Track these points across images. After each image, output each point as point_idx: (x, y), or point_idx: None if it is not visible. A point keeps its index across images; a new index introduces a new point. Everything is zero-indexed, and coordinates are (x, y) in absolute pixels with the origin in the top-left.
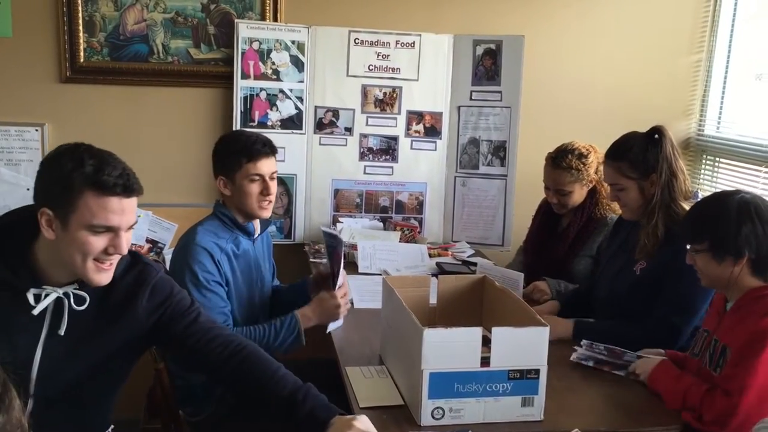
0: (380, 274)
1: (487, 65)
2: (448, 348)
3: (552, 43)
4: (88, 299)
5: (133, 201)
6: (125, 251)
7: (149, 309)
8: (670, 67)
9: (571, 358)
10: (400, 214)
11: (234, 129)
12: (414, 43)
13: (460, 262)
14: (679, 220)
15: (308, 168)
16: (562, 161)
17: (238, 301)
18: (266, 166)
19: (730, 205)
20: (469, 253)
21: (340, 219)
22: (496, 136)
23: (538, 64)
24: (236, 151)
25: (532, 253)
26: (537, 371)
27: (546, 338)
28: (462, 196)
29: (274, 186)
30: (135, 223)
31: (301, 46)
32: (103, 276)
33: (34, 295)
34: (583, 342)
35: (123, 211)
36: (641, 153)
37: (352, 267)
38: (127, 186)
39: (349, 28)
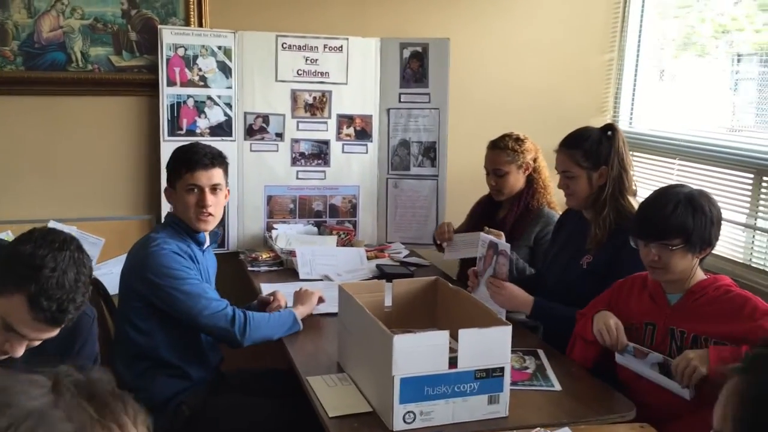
0: (322, 280)
1: (415, 68)
2: (417, 352)
3: (476, 46)
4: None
5: (53, 330)
6: (17, 355)
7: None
8: (584, 66)
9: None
10: (334, 218)
11: (161, 138)
12: (342, 47)
13: (398, 263)
14: (626, 214)
15: (240, 175)
16: (500, 142)
17: None
18: (204, 177)
19: (700, 199)
20: (404, 254)
21: (275, 225)
22: (425, 137)
23: (464, 66)
24: (178, 162)
25: None
26: (502, 369)
27: (509, 336)
28: (394, 197)
29: (212, 199)
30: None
31: (227, 52)
32: None
33: None
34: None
35: (38, 333)
36: (595, 145)
37: (292, 274)
38: (52, 319)
39: (276, 32)
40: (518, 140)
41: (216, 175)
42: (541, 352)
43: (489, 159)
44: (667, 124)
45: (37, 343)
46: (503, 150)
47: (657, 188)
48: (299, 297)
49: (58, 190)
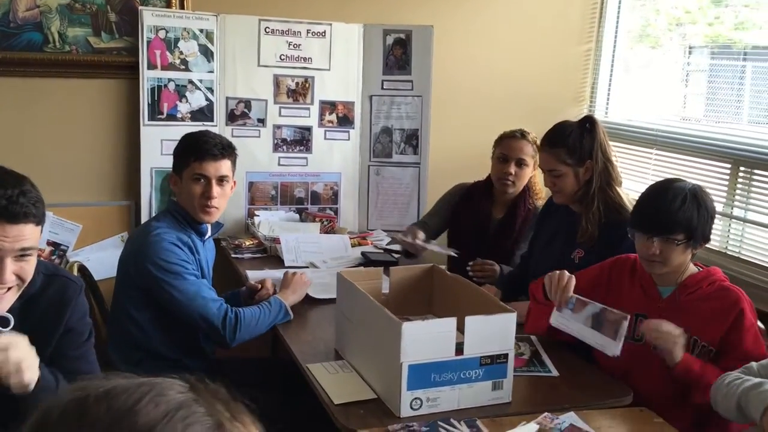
0: (308, 267)
1: (398, 55)
2: (425, 339)
3: (459, 34)
4: (12, 322)
5: (21, 228)
6: (6, 281)
7: (68, 326)
8: (563, 57)
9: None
10: (315, 205)
11: (141, 122)
12: (325, 32)
13: (382, 250)
14: (615, 206)
15: None
16: (527, 134)
17: None
18: (212, 168)
19: (703, 195)
20: (387, 241)
21: (256, 212)
22: (408, 124)
23: (447, 54)
24: (187, 149)
25: (463, 243)
26: (506, 355)
27: (513, 323)
28: (376, 184)
29: (218, 191)
30: (29, 252)
31: (209, 35)
32: None
33: None
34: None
35: (6, 236)
36: (578, 140)
37: (277, 261)
38: (7, 212)
39: (259, 16)
40: (535, 142)
41: (224, 166)
42: (534, 338)
43: (515, 147)
44: (647, 114)
45: (27, 269)
46: (530, 144)
47: (655, 181)
48: (288, 282)
49: (34, 174)
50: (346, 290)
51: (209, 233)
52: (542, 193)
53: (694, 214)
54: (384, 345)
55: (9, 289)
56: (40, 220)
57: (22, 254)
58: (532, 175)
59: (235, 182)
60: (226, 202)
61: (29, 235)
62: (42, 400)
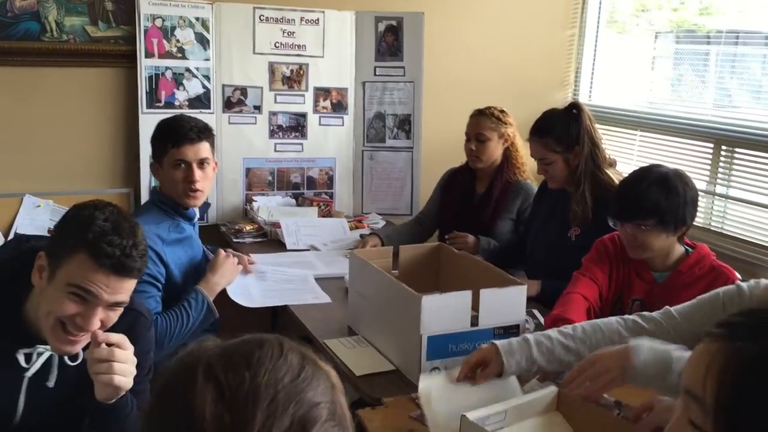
0: (308, 250)
1: (390, 41)
2: (442, 312)
3: (449, 20)
4: (81, 356)
5: (124, 282)
6: (92, 328)
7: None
8: (548, 42)
9: None
10: (311, 190)
11: (139, 110)
12: (318, 19)
13: None
14: (606, 186)
15: (218, 148)
16: (486, 110)
17: (185, 286)
18: (191, 152)
19: (673, 179)
20: (382, 224)
21: (254, 198)
22: (400, 110)
23: (438, 40)
24: (164, 136)
25: (452, 220)
26: (517, 326)
27: (524, 296)
28: (370, 169)
29: (199, 174)
30: (121, 305)
31: (205, 23)
32: (67, 347)
33: (25, 354)
34: None
35: (107, 287)
36: (565, 128)
37: (278, 245)
38: (119, 265)
39: (254, 4)
40: (503, 112)
41: (203, 149)
42: (536, 312)
43: (473, 124)
44: (631, 97)
45: (113, 318)
46: (488, 117)
47: (639, 167)
48: (217, 264)
49: (34, 163)
50: (360, 268)
51: (197, 215)
52: (525, 166)
53: (662, 199)
54: (402, 318)
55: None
56: (141, 275)
57: (114, 305)
58: (506, 147)
59: (216, 163)
60: (211, 184)
61: (128, 289)
62: (116, 418)
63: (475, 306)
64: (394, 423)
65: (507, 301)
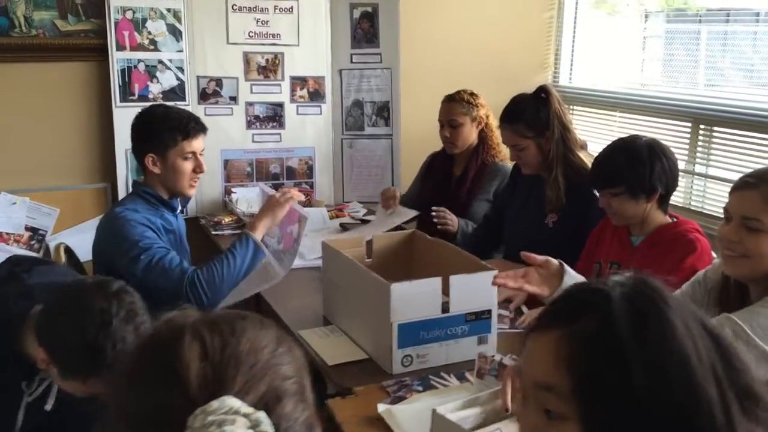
0: None
1: (365, 28)
2: (413, 299)
3: (425, 5)
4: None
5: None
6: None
7: None
8: (527, 25)
9: None
10: (291, 180)
11: (113, 104)
12: (292, 7)
13: (359, 221)
14: (579, 169)
15: None
16: (456, 95)
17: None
18: (198, 143)
19: (639, 148)
20: (363, 212)
21: (233, 189)
22: (378, 97)
23: (414, 25)
24: (171, 128)
25: (430, 202)
26: (489, 311)
27: None
28: (350, 157)
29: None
30: None
31: (177, 14)
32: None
33: (26, 383)
34: None
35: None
36: (534, 113)
37: None
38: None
39: None
40: (473, 94)
41: (204, 138)
42: (525, 308)
43: (444, 111)
44: (606, 79)
45: None
46: (458, 102)
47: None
48: (268, 206)
49: (8, 161)
50: (332, 258)
51: (179, 207)
52: (501, 146)
53: (626, 167)
54: (373, 306)
55: None
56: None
57: None
58: (481, 129)
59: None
60: None
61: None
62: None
63: (447, 292)
64: (364, 413)
65: (478, 287)
